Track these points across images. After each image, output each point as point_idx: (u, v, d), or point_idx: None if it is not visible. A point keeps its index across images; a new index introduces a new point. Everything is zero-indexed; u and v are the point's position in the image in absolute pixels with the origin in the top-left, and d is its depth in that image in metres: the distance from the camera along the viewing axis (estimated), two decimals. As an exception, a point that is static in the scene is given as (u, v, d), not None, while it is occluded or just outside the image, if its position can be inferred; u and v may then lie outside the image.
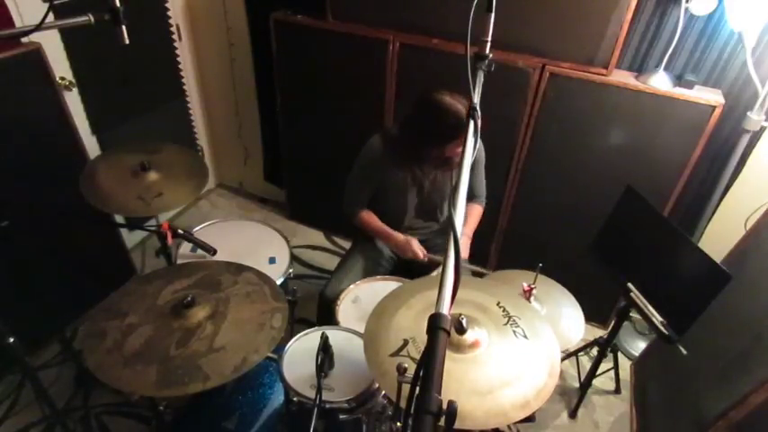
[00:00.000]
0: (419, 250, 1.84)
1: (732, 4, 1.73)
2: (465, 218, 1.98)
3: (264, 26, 2.42)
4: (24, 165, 1.94)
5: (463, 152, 0.88)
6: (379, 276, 1.85)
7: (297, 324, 2.12)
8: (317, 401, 1.27)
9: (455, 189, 0.80)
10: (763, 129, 1.93)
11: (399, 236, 1.88)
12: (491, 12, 1.03)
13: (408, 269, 1.96)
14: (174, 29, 2.65)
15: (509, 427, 1.98)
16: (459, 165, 0.85)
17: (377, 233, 1.94)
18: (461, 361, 1.20)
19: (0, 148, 1.85)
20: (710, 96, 1.87)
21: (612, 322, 1.96)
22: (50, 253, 2.13)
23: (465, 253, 1.95)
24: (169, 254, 1.82)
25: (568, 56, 1.98)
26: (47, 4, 1.10)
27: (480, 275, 1.92)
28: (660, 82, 1.91)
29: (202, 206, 3.25)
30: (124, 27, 1.18)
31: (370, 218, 1.94)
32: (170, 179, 1.79)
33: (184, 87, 2.86)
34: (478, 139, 0.91)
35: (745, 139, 1.92)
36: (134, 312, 1.36)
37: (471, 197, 2.03)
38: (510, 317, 1.34)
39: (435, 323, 0.61)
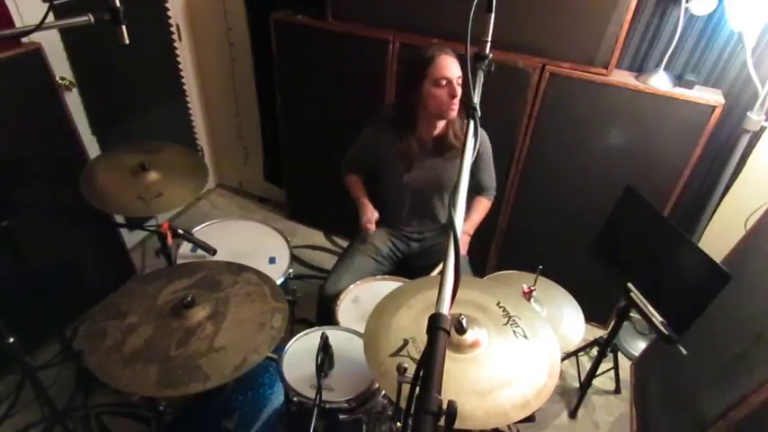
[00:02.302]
0: (370, 224, 1.91)
1: (732, 4, 1.73)
2: (467, 213, 1.98)
3: (264, 26, 2.42)
4: (24, 165, 1.94)
5: (463, 152, 0.88)
6: (379, 276, 1.85)
7: (297, 324, 2.12)
8: (317, 401, 1.27)
9: (455, 189, 0.80)
10: (763, 129, 1.93)
11: (369, 206, 1.96)
12: (491, 12, 1.03)
13: (408, 268, 1.96)
14: (174, 29, 2.65)
15: (509, 427, 1.98)
16: (460, 165, 0.85)
17: (354, 198, 2.03)
18: (461, 361, 1.20)
19: (0, 148, 1.85)
20: (710, 96, 1.87)
21: (612, 322, 1.96)
22: (50, 253, 2.13)
23: (463, 250, 1.95)
24: (169, 254, 1.82)
25: (568, 56, 1.97)
26: (47, 4, 1.10)
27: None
28: (660, 82, 1.91)
29: (202, 206, 3.25)
30: (124, 27, 1.18)
31: (356, 183, 2.06)
32: (170, 179, 1.78)
33: (184, 87, 2.86)
34: (479, 137, 0.91)
35: (745, 139, 1.92)
36: (134, 312, 1.36)
37: (480, 190, 2.04)
38: (510, 317, 1.34)
39: (435, 323, 0.61)
